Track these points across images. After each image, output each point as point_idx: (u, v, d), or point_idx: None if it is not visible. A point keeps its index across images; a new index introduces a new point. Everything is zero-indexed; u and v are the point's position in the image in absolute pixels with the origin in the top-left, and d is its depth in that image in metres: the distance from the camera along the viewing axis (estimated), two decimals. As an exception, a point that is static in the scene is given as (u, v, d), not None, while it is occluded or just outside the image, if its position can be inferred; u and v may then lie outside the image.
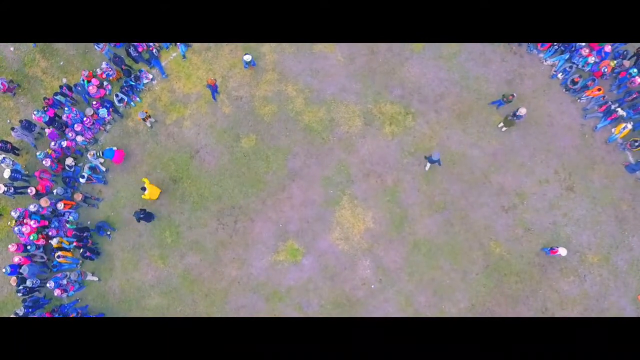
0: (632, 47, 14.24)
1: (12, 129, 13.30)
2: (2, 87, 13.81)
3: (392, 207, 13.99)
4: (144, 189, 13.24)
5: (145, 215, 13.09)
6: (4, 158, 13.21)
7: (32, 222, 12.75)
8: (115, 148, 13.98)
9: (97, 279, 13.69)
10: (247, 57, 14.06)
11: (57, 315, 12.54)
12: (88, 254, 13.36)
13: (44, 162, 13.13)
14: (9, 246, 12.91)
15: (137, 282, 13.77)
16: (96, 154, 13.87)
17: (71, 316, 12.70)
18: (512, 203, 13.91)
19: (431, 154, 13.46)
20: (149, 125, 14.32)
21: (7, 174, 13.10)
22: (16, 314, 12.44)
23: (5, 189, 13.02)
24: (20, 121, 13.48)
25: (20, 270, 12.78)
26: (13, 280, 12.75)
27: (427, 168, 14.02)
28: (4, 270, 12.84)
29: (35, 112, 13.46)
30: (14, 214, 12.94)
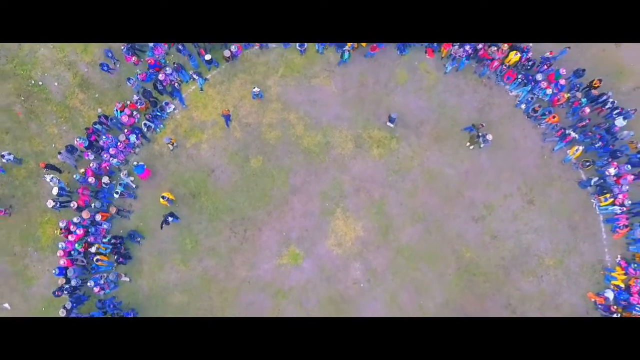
0: (585, 80, 16.61)
1: (59, 152, 15.82)
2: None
3: (379, 217, 16.41)
4: (164, 197, 15.75)
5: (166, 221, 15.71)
6: (52, 177, 15.72)
7: (78, 231, 15.27)
8: (144, 165, 16.45)
9: (128, 279, 16.15)
10: (256, 90, 16.58)
11: (99, 305, 15.06)
12: (121, 259, 15.88)
13: (89, 180, 15.62)
14: (58, 252, 15.44)
15: (163, 282, 16.22)
16: (128, 173, 16.36)
17: (108, 314, 15.21)
18: (481, 214, 16.31)
19: (390, 114, 16.23)
20: (171, 149, 16.79)
21: (55, 191, 15.61)
22: (64, 307, 14.90)
23: (54, 203, 15.52)
24: (66, 146, 15.99)
25: (67, 272, 15.28)
26: (61, 280, 15.23)
27: (388, 124, 16.60)
28: (53, 271, 15.33)
29: (77, 138, 15.98)
30: (61, 225, 15.47)
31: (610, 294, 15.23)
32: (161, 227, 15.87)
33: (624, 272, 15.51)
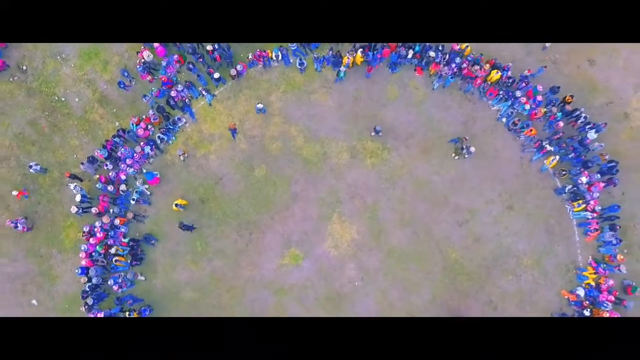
0: (560, 96, 18.15)
1: (82, 163, 17.46)
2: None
3: (372, 222, 17.99)
4: (177, 204, 17.44)
5: (186, 226, 17.29)
6: (75, 185, 17.35)
7: (99, 234, 16.91)
8: (156, 173, 18.09)
9: (144, 278, 17.74)
10: (259, 105, 18.19)
11: (117, 302, 16.64)
12: (135, 262, 17.52)
13: (109, 188, 17.27)
14: (80, 254, 17.06)
15: (175, 281, 17.82)
16: (143, 181, 17.99)
17: (125, 309, 16.84)
18: (464, 219, 17.87)
19: (375, 127, 17.77)
20: (182, 159, 18.39)
21: (78, 198, 17.25)
22: (86, 304, 16.50)
23: (77, 209, 17.14)
24: (87, 157, 17.64)
25: (88, 272, 16.90)
26: (83, 279, 16.84)
27: (372, 134, 18.09)
28: (76, 271, 16.96)
29: (98, 150, 17.62)
30: (85, 229, 17.09)
31: (581, 292, 16.79)
32: (190, 230, 17.67)
33: (594, 271, 17.05)
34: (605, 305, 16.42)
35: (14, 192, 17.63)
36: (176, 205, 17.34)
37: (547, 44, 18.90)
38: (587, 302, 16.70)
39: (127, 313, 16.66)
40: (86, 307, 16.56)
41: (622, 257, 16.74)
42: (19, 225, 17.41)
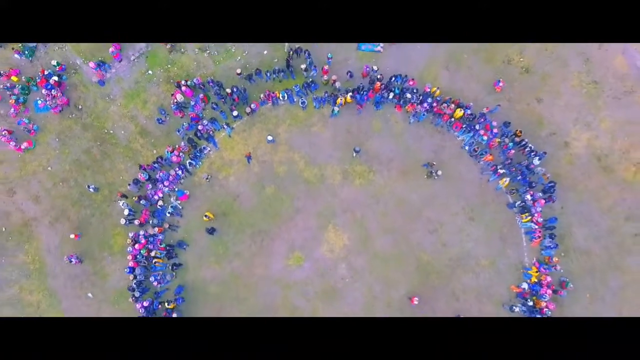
0: (512, 128, 22.49)
1: (129, 184, 21.96)
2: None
3: (360, 231, 22.37)
4: (206, 216, 21.89)
5: (212, 230, 21.73)
6: (123, 203, 21.84)
7: (142, 240, 21.38)
8: (186, 191, 22.55)
9: (175, 275, 22.16)
10: (269, 137, 22.65)
11: (155, 295, 21.06)
12: (175, 267, 21.92)
13: (155, 198, 21.77)
14: (128, 256, 21.52)
15: (202, 278, 22.22)
16: (175, 198, 22.46)
17: (164, 301, 21.23)
18: (434, 228, 22.23)
19: (354, 147, 21.97)
20: (207, 180, 22.84)
21: (126, 212, 21.72)
22: (134, 295, 20.92)
23: (125, 221, 21.61)
24: (133, 179, 22.12)
25: (134, 271, 21.35)
26: (131, 277, 21.27)
27: (354, 155, 22.29)
28: (125, 270, 21.40)
29: (141, 173, 22.09)
30: (130, 235, 21.55)
31: (525, 285, 21.10)
32: (212, 233, 21.97)
33: (537, 270, 21.35)
34: (544, 297, 20.70)
35: (72, 235, 22.14)
36: (205, 216, 21.79)
37: (502, 84, 23.28)
38: (529, 292, 20.99)
39: (165, 303, 21.02)
40: (134, 298, 20.97)
41: (557, 259, 21.06)
42: (72, 260, 21.85)
